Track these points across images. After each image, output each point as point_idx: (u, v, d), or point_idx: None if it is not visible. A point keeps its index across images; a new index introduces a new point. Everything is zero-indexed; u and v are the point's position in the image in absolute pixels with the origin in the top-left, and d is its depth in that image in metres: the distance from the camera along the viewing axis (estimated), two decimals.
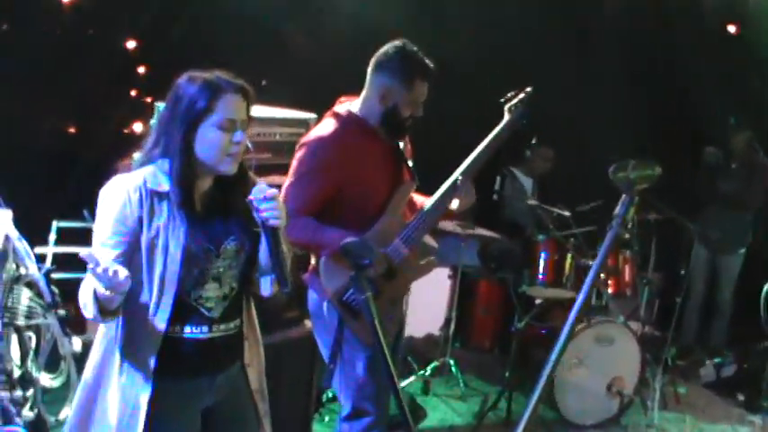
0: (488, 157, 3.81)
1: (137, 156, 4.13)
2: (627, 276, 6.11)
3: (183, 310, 2.65)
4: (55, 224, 5.04)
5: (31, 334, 3.87)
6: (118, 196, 2.56)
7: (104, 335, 2.70)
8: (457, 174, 3.73)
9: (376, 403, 3.63)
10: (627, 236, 6.06)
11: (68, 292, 4.06)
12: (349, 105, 3.65)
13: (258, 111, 3.86)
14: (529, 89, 3.92)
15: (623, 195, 2.08)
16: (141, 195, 2.56)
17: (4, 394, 3.49)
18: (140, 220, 2.56)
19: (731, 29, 7.84)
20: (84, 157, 6.43)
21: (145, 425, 2.60)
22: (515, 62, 6.84)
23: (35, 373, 3.85)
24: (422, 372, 6.11)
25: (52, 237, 4.99)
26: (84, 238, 4.38)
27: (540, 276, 5.94)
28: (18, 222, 3.99)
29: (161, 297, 2.59)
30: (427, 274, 3.82)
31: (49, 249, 4.87)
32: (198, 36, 6.62)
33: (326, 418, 5.19)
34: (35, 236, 4.54)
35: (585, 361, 5.55)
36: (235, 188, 2.70)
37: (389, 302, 3.63)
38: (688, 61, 7.49)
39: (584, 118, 7.16)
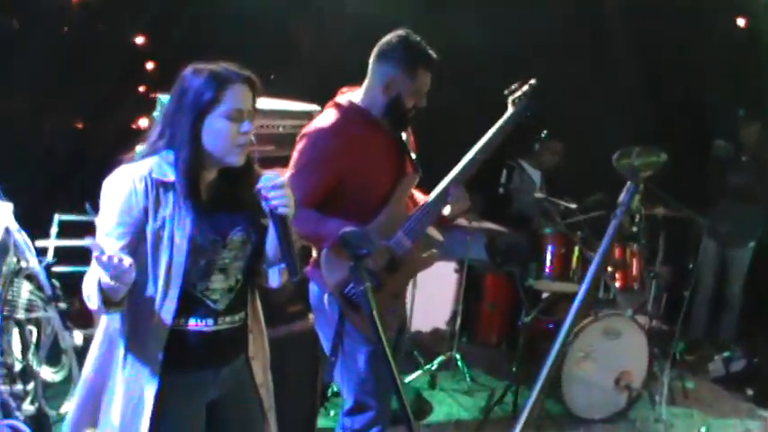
0: (493, 149, 3.75)
1: (139, 148, 4.14)
2: (634, 270, 6.06)
3: (189, 302, 2.63)
4: (57, 217, 5.03)
5: (32, 327, 3.86)
6: (123, 186, 2.54)
7: (106, 328, 2.68)
8: (456, 169, 3.69)
9: (378, 398, 3.60)
10: (635, 229, 6.00)
11: (70, 285, 4.06)
12: (351, 96, 3.61)
13: (261, 103, 3.83)
14: (533, 81, 3.87)
15: (628, 183, 2.04)
16: (147, 185, 2.54)
17: (5, 388, 3.49)
18: (146, 210, 2.54)
19: (740, 22, 7.76)
20: (90, 151, 6.43)
21: (150, 419, 2.58)
22: (520, 55, 6.80)
23: (36, 367, 3.84)
24: (428, 366, 6.09)
25: (54, 230, 4.99)
26: (87, 231, 4.37)
27: (548, 270, 5.89)
28: (21, 216, 3.99)
29: (167, 289, 2.57)
30: (429, 267, 3.77)
31: (51, 242, 4.87)
32: (205, 31, 6.61)
33: (332, 413, 5.16)
34: (38, 229, 4.55)
35: (593, 355, 5.51)
36: (241, 179, 2.69)
37: (391, 296, 3.60)
38: (697, 54, 7.43)
39: (592, 111, 7.12)
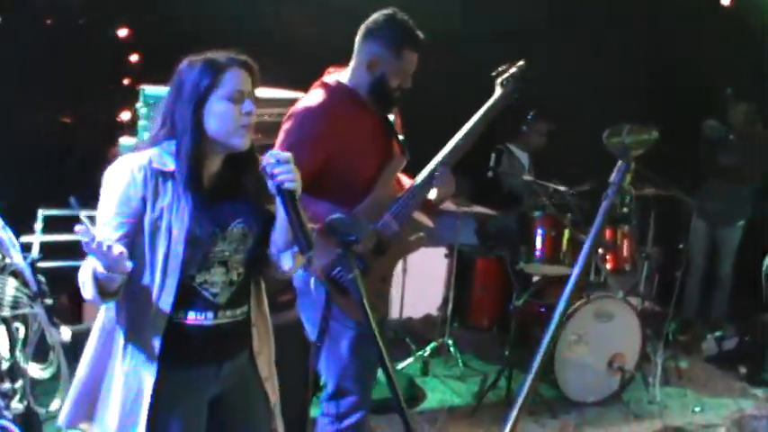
0: (481, 131, 3.75)
1: (123, 140, 4.11)
2: (626, 251, 6.04)
3: (188, 294, 2.59)
4: (41, 212, 4.97)
5: (19, 324, 3.81)
6: (122, 176, 2.52)
7: (103, 320, 2.64)
8: (443, 152, 3.68)
9: (360, 383, 3.59)
10: (625, 210, 6.01)
11: (56, 280, 4.01)
12: (338, 76, 3.58)
13: None
14: (521, 63, 3.87)
15: (619, 162, 2.00)
16: (146, 175, 2.52)
17: None
18: (144, 200, 2.52)
19: (725, 1, 7.73)
20: (74, 145, 6.37)
21: (149, 412, 2.54)
22: (508, 36, 6.75)
23: (23, 364, 3.78)
24: (420, 352, 6.08)
25: (38, 225, 4.93)
26: (72, 226, 4.33)
27: (538, 253, 5.86)
28: (5, 211, 3.94)
29: (164, 280, 2.54)
30: (416, 250, 3.76)
31: (36, 238, 4.80)
32: (188, 21, 6.54)
33: None
34: (22, 224, 4.49)
35: (585, 338, 5.51)
36: (245, 168, 2.66)
37: (379, 279, 3.57)
38: (683, 34, 7.41)
39: (579, 92, 7.08)
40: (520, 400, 1.98)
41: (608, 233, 5.97)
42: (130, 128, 4.45)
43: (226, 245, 2.63)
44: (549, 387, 5.61)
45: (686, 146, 6.94)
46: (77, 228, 2.23)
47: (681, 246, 6.39)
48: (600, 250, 5.82)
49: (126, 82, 6.84)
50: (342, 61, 3.62)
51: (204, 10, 6.58)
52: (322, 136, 3.39)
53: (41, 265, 4.00)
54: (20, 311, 3.80)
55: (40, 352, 3.96)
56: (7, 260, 3.80)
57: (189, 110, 2.52)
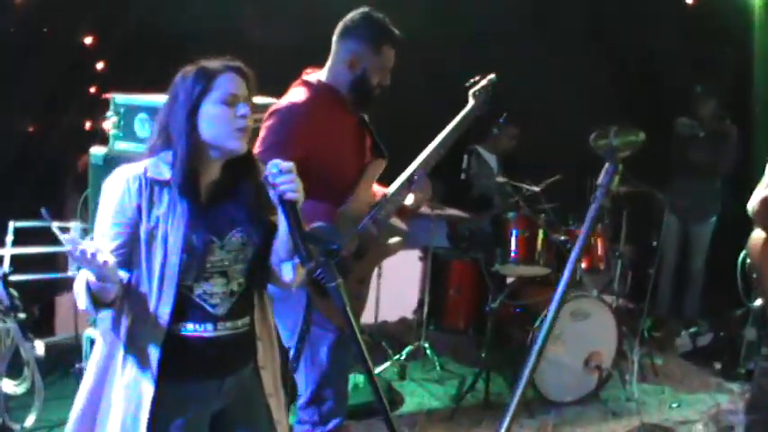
0: (455, 140, 3.83)
1: (93, 150, 4.05)
2: (599, 250, 6.06)
3: (186, 305, 2.56)
4: (12, 225, 4.88)
5: None
6: (117, 186, 2.51)
7: (105, 333, 2.61)
8: (418, 160, 3.74)
9: (337, 389, 3.57)
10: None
11: (26, 293, 3.95)
12: (317, 75, 3.58)
13: None
14: (492, 76, 3.98)
15: (606, 164, 2.00)
16: (141, 184, 2.51)
17: None
18: (139, 209, 2.50)
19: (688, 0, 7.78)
20: (41, 155, 6.29)
21: (148, 425, 2.50)
22: (478, 39, 6.76)
23: None
24: (397, 356, 6.06)
25: (9, 238, 4.84)
26: (43, 238, 4.26)
27: (513, 254, 5.85)
28: None
29: (162, 290, 2.51)
30: (395, 254, 3.77)
31: (7, 251, 4.73)
32: (154, 28, 6.48)
33: None
34: None
35: (562, 337, 5.51)
36: (244, 175, 2.63)
37: (358, 282, 3.58)
38: (650, 33, 7.45)
39: (549, 94, 7.10)
40: (512, 409, 1.95)
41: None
42: (101, 137, 4.38)
43: (224, 254, 2.59)
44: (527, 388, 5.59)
45: (656, 143, 6.97)
46: (64, 236, 2.20)
47: (654, 243, 6.42)
48: None
49: (92, 90, 6.76)
50: (317, 63, 3.62)
51: (171, 16, 6.53)
52: (305, 133, 3.37)
53: (12, 278, 3.95)
54: None
55: (14, 367, 3.90)
56: None
57: (183, 116, 2.50)
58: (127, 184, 2.51)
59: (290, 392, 4.60)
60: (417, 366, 6.17)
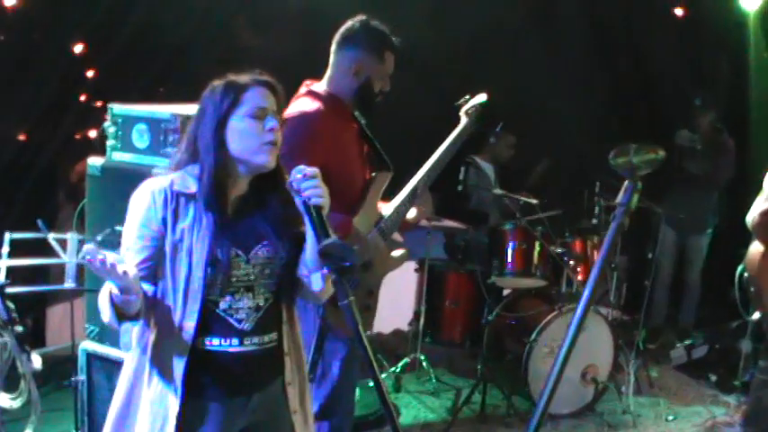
0: (451, 157, 3.91)
1: (91, 160, 3.99)
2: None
3: (212, 320, 2.52)
4: (8, 236, 4.82)
5: None
6: (143, 199, 2.51)
7: (135, 348, 2.60)
8: (419, 175, 3.79)
9: (345, 404, 3.59)
10: (594, 221, 6.03)
11: (20, 305, 3.89)
12: (320, 86, 3.59)
13: None
14: (483, 95, 4.04)
15: (626, 182, 1.97)
16: (166, 197, 2.50)
17: None
18: (165, 222, 2.49)
19: (678, 12, 7.79)
20: (36, 164, 6.24)
21: None
22: (475, 52, 6.76)
23: None
24: (393, 369, 6.02)
25: (5, 249, 4.77)
26: (39, 249, 4.21)
27: (509, 266, 5.84)
28: None
29: (186, 303, 2.49)
30: (398, 266, 3.81)
31: (2, 263, 4.66)
32: (145, 37, 6.45)
33: None
34: None
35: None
36: (272, 190, 2.61)
37: (367, 294, 3.59)
38: (647, 45, 7.48)
39: (547, 104, 7.10)
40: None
41: (578, 245, 5.98)
42: (93, 146, 4.34)
43: (250, 268, 2.56)
44: (523, 399, 5.60)
45: None
46: (85, 247, 2.20)
47: (649, 255, 6.42)
48: (571, 262, 5.81)
49: (83, 98, 6.73)
50: (313, 71, 3.65)
51: (161, 25, 6.50)
52: (318, 142, 3.38)
53: (9, 290, 3.89)
54: None
55: (10, 381, 3.83)
56: None
57: (211, 130, 2.49)
58: (152, 196, 2.50)
59: None
60: (413, 378, 6.14)
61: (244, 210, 2.59)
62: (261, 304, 2.59)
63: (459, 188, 5.99)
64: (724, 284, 6.39)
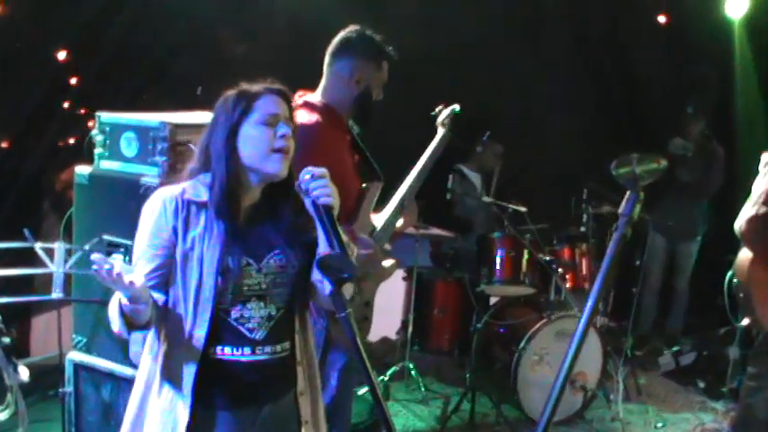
0: (431, 167, 3.97)
1: (78, 169, 3.95)
2: (584, 270, 6.05)
3: (222, 328, 2.51)
4: None
5: None
6: (154, 208, 2.51)
7: (146, 357, 2.59)
8: (404, 187, 3.86)
9: (343, 415, 3.61)
10: (582, 229, 6.03)
11: (10, 315, 3.84)
12: (314, 97, 3.58)
13: (195, 117, 3.78)
14: (455, 105, 4.07)
15: (628, 192, 1.96)
16: (177, 205, 2.50)
17: None
18: (175, 230, 2.48)
19: (661, 19, 7.81)
20: (20, 172, 6.18)
21: None
22: (462, 61, 6.76)
23: None
24: (381, 377, 5.99)
25: None
26: (25, 259, 4.16)
27: (498, 274, 5.83)
28: None
29: (197, 312, 2.47)
30: (391, 275, 3.85)
31: None
32: (129, 44, 6.41)
33: None
34: None
35: (547, 357, 5.49)
36: (284, 198, 2.59)
37: (364, 304, 3.62)
38: (633, 53, 7.50)
39: (535, 113, 7.11)
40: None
41: (566, 252, 5.98)
42: (87, 154, 4.28)
43: (261, 277, 2.54)
44: (512, 407, 5.58)
45: None
46: (93, 257, 2.19)
47: (637, 262, 6.42)
48: (560, 269, 5.80)
49: (66, 105, 6.67)
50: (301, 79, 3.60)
51: (145, 32, 6.47)
52: (317, 154, 3.31)
53: None
54: None
55: None
56: None
57: (222, 138, 2.49)
58: (163, 205, 2.49)
59: None
60: (401, 387, 6.11)
61: (256, 218, 2.58)
62: (273, 313, 2.57)
63: (448, 196, 5.97)
64: (712, 291, 6.42)
